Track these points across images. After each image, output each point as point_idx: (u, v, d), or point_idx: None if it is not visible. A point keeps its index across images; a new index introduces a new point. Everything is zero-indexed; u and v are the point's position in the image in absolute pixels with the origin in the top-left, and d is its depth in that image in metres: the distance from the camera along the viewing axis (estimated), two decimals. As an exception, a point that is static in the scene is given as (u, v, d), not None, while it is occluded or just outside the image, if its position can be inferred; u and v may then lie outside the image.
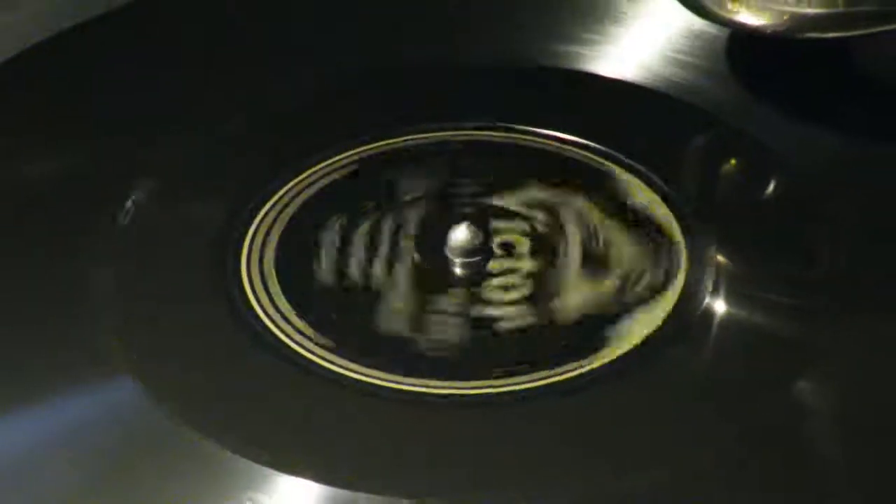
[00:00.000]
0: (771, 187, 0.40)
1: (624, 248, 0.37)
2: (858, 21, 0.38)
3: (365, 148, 0.41)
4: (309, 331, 0.35)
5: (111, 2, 0.47)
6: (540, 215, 0.39)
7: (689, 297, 0.35)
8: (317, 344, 0.34)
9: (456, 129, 0.42)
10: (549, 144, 0.41)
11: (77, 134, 0.43)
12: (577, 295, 0.36)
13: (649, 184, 0.39)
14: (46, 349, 0.35)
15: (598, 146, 0.41)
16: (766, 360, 0.34)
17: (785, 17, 0.38)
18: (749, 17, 0.38)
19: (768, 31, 0.38)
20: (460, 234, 0.37)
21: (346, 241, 0.38)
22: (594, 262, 0.37)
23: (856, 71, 0.43)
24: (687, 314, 0.35)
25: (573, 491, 0.31)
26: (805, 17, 0.38)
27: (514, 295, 0.36)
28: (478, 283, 0.36)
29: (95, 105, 0.44)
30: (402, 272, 0.37)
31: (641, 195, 0.39)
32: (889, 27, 0.38)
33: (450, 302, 0.36)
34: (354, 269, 0.37)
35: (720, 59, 0.44)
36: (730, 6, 0.38)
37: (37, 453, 0.32)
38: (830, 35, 0.38)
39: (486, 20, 0.47)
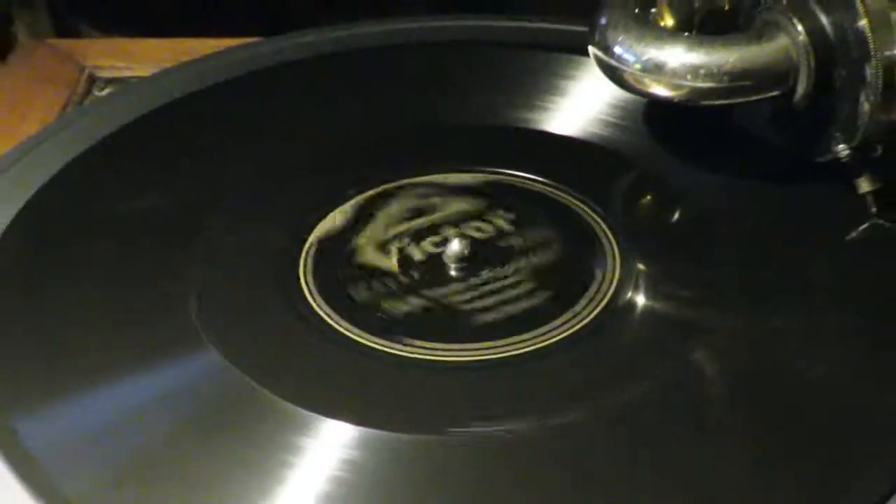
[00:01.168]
0: (674, 213, 0.41)
1: (571, 254, 0.39)
2: (737, 92, 0.38)
3: (383, 187, 0.42)
4: (344, 314, 0.36)
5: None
6: (513, 230, 0.40)
7: (620, 290, 0.37)
8: (350, 324, 0.36)
9: (451, 171, 0.43)
10: (518, 181, 0.43)
11: (181, 180, 0.43)
12: (538, 285, 0.37)
13: (589, 209, 0.41)
14: (154, 330, 0.36)
15: (552, 182, 0.42)
16: (672, 333, 0.35)
17: (684, 90, 0.38)
18: (659, 90, 0.38)
19: (672, 100, 0.38)
20: (455, 246, 0.38)
21: (370, 249, 0.39)
22: (551, 264, 0.38)
23: (735, 129, 0.43)
24: (619, 303, 0.36)
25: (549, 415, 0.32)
26: (699, 89, 0.38)
27: (497, 288, 0.37)
28: (468, 281, 0.37)
29: (196, 158, 0.44)
30: (411, 273, 0.38)
31: (585, 217, 0.40)
32: (758, 97, 0.39)
33: (447, 295, 0.37)
34: (379, 268, 0.38)
35: (638, 121, 0.44)
36: (646, 81, 0.39)
37: (148, 406, 0.33)
38: (718, 102, 0.38)
39: (469, 94, 0.48)
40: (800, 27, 0.38)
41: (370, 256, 0.39)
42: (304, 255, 0.39)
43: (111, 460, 0.32)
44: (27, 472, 0.31)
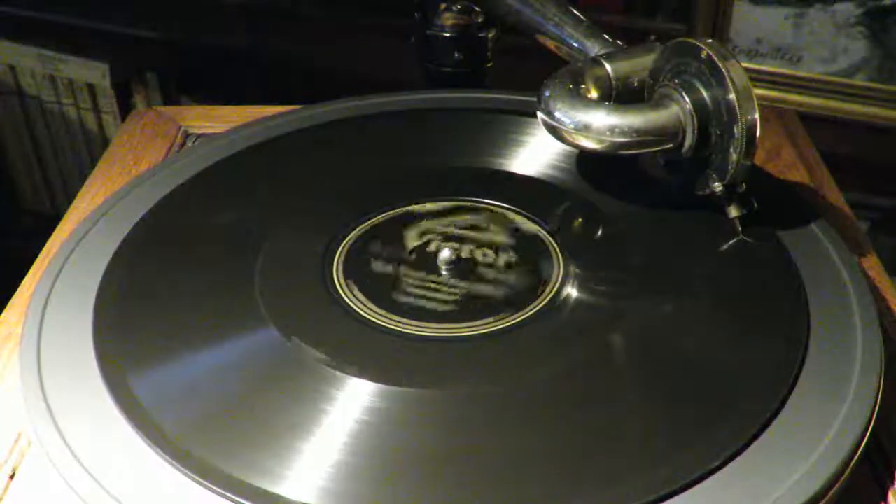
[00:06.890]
0: (599, 230, 0.40)
1: (528, 258, 0.38)
2: (642, 145, 0.38)
3: (391, 211, 0.41)
4: (366, 300, 0.36)
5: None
6: (488, 244, 0.39)
7: (562, 287, 0.37)
8: (370, 307, 0.35)
9: (442, 200, 0.42)
10: (492, 207, 0.41)
11: (249, 204, 0.42)
12: (505, 281, 0.37)
13: (541, 227, 0.40)
14: (231, 312, 0.35)
15: (517, 209, 0.41)
16: (599, 316, 0.35)
17: (605, 143, 0.37)
18: (587, 143, 0.38)
19: (597, 150, 0.38)
20: (445, 253, 0.38)
21: (384, 255, 0.38)
22: (516, 267, 0.38)
23: (641, 171, 0.42)
24: (560, 296, 0.36)
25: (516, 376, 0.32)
26: (615, 143, 0.37)
27: (475, 284, 0.37)
28: (454, 279, 0.37)
29: (259, 190, 0.43)
30: (414, 272, 0.37)
31: (537, 231, 0.40)
32: (658, 148, 0.38)
33: (440, 289, 0.37)
34: (391, 269, 0.38)
35: (574, 164, 0.43)
36: (578, 137, 0.38)
37: (225, 366, 0.33)
38: (628, 152, 0.38)
39: (461, 145, 0.45)
40: (687, 98, 0.38)
41: (384, 257, 0.38)
42: (336, 259, 0.38)
43: (199, 406, 0.31)
44: (136, 415, 0.31)
